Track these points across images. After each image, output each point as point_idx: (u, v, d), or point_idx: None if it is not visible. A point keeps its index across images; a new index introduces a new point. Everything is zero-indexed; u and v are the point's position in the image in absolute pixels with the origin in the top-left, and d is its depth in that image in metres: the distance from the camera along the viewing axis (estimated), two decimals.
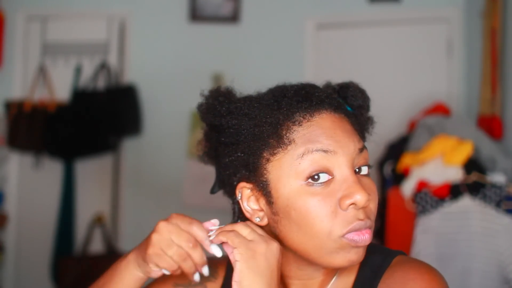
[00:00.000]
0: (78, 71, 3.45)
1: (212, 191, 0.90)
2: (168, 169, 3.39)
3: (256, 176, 0.78)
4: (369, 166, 0.79)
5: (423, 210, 2.21)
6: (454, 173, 2.23)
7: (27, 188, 3.48)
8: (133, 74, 3.47)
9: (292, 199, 0.75)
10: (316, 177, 0.74)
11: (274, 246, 0.75)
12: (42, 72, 3.49)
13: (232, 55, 3.44)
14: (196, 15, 3.45)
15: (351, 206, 0.74)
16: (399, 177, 2.46)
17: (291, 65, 3.38)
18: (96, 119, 3.29)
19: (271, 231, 0.80)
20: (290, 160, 0.75)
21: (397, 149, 2.60)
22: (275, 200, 0.77)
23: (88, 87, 3.39)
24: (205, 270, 0.75)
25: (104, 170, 3.49)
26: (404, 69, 3.29)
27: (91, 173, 3.47)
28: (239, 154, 0.79)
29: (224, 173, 0.83)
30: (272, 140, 0.76)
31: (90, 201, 3.44)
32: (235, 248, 0.74)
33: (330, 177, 0.75)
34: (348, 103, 0.84)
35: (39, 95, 3.43)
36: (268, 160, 0.77)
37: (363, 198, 0.73)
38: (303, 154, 0.74)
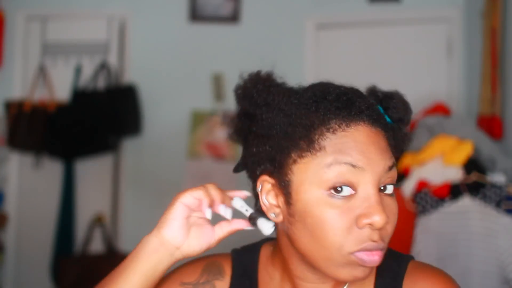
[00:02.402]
0: (78, 71, 3.45)
1: (236, 170, 0.87)
2: (168, 169, 3.39)
3: (280, 173, 0.77)
4: (394, 186, 0.77)
5: (423, 210, 2.21)
6: (454, 173, 2.23)
7: (27, 188, 3.48)
8: (133, 74, 3.46)
9: (311, 206, 0.73)
10: (339, 189, 0.72)
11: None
12: (42, 72, 3.48)
13: (232, 55, 3.44)
14: (196, 15, 3.45)
15: (368, 225, 0.72)
16: (399, 177, 2.45)
17: (291, 65, 3.37)
18: (96, 119, 3.28)
19: (283, 229, 0.80)
20: (316, 167, 0.73)
21: None
22: (294, 202, 0.75)
23: (88, 87, 3.39)
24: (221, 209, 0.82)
25: (104, 170, 3.48)
26: (404, 69, 3.29)
27: (91, 173, 3.47)
28: (267, 148, 0.77)
29: (249, 159, 0.81)
30: (302, 142, 0.74)
31: (90, 201, 3.44)
32: None
33: (353, 192, 0.73)
34: (388, 114, 0.80)
35: (39, 95, 3.43)
36: (295, 161, 0.75)
37: (382, 220, 0.71)
38: (331, 164, 0.72)
